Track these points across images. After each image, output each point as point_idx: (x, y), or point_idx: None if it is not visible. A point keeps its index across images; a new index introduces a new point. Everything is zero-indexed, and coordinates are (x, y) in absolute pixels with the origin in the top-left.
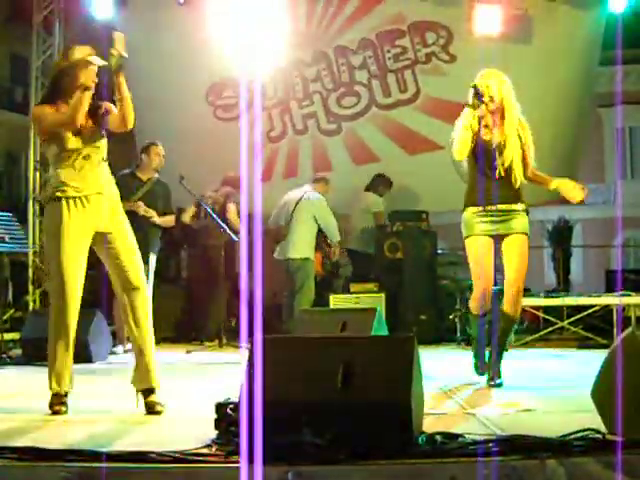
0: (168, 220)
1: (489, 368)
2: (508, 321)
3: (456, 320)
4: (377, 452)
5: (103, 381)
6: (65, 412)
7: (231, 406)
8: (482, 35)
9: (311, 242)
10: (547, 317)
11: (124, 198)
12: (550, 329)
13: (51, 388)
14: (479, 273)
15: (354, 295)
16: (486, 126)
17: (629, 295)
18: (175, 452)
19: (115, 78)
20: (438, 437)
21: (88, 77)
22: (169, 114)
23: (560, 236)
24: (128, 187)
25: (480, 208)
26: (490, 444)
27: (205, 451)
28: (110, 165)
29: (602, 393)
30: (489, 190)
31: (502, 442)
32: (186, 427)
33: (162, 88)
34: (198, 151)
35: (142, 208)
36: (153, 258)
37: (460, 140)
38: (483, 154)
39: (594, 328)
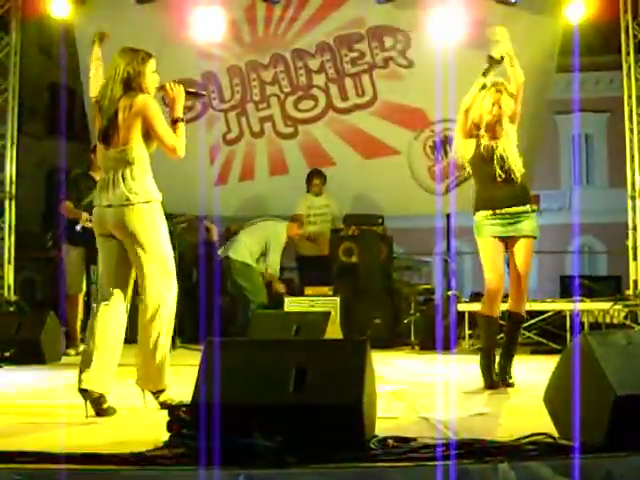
0: None
1: (501, 368)
2: (515, 320)
3: (410, 324)
4: (329, 455)
5: (55, 382)
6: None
7: (183, 409)
8: (440, 40)
9: (254, 254)
10: (501, 322)
11: (74, 199)
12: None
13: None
14: (492, 272)
15: (309, 298)
16: (487, 130)
17: (583, 301)
18: (127, 454)
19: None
20: (390, 441)
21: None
22: None
23: None
24: (78, 188)
25: (490, 212)
26: (443, 448)
27: (157, 453)
28: (68, 168)
29: (555, 398)
30: (496, 193)
31: (455, 446)
32: (139, 429)
33: None
34: (157, 151)
35: (84, 218)
36: None
37: (462, 147)
38: (487, 159)
39: (548, 333)
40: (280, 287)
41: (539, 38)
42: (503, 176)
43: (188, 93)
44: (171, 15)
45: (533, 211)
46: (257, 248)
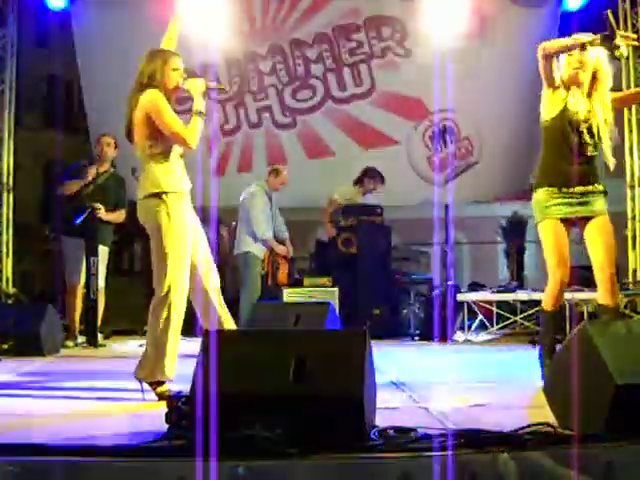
0: (117, 216)
1: None
2: (610, 313)
3: (410, 315)
4: (329, 446)
5: (54, 374)
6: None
7: (182, 399)
8: (437, 31)
9: (253, 235)
10: (500, 312)
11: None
12: (503, 324)
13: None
14: (556, 260)
15: (308, 289)
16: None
17: (582, 291)
18: (126, 445)
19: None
20: (390, 431)
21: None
22: (125, 106)
23: (513, 232)
24: (82, 178)
25: (555, 189)
26: (442, 438)
27: (156, 445)
28: (65, 160)
29: (554, 388)
30: (570, 170)
31: (454, 436)
32: (138, 420)
33: (116, 79)
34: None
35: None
36: (104, 250)
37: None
38: (569, 128)
39: None
40: (281, 249)
41: (536, 32)
42: (584, 152)
43: (209, 88)
44: (168, 5)
45: (604, 192)
46: (247, 225)
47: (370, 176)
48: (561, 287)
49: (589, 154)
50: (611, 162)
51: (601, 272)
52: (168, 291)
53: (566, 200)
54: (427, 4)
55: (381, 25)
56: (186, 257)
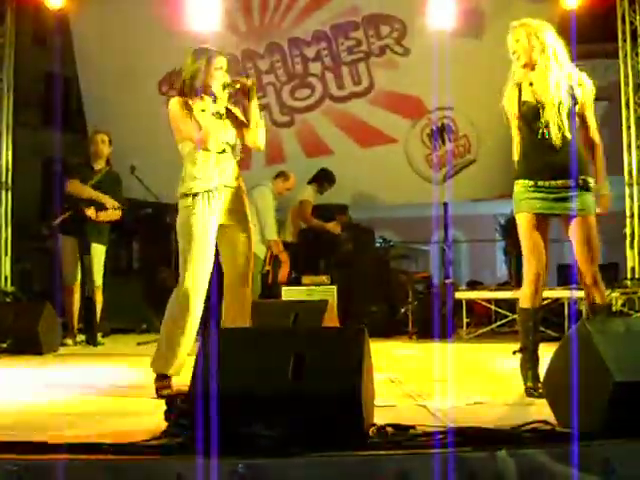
0: (110, 214)
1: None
2: (602, 312)
3: (408, 313)
4: (328, 444)
5: (53, 372)
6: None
7: (181, 398)
8: (435, 29)
9: (256, 232)
10: (499, 310)
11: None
12: (501, 322)
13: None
14: (530, 251)
15: (306, 287)
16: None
17: (581, 289)
18: (125, 444)
19: (248, 102)
20: (389, 429)
21: (223, 103)
22: (122, 104)
23: (512, 229)
24: (79, 176)
25: (532, 182)
26: (441, 436)
27: (156, 443)
28: (64, 158)
29: (553, 385)
30: (542, 162)
31: (453, 434)
32: (137, 419)
33: (116, 77)
34: (151, 142)
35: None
36: (101, 248)
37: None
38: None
39: (545, 321)
40: (283, 256)
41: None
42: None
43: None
44: (166, 4)
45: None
46: (256, 225)
47: (326, 177)
48: (537, 283)
49: (558, 144)
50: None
51: (583, 272)
52: (179, 286)
53: (541, 195)
54: (426, 2)
55: (380, 23)
56: (197, 257)
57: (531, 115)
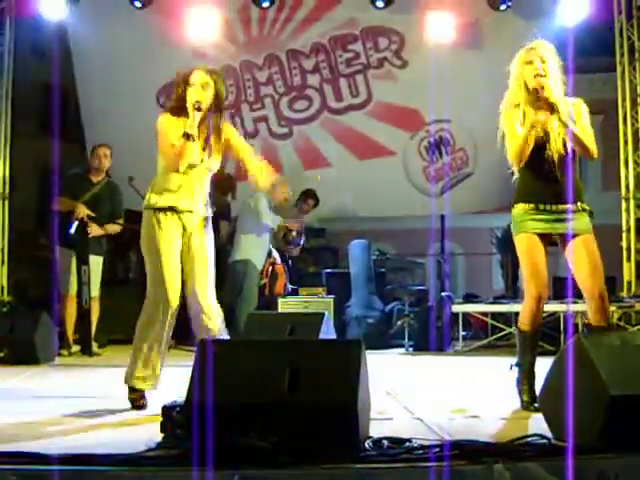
0: (109, 228)
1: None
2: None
3: (404, 325)
4: (323, 456)
5: (50, 383)
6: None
7: (177, 409)
8: (434, 42)
9: (254, 242)
10: (495, 323)
11: (68, 196)
12: (498, 335)
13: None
14: (530, 273)
15: (303, 299)
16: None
17: (577, 302)
18: (121, 455)
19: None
20: (385, 442)
21: (194, 125)
22: (121, 115)
23: (509, 243)
24: (73, 187)
25: (533, 205)
26: (437, 449)
27: (151, 454)
28: (62, 169)
29: (549, 399)
30: (545, 188)
31: (449, 447)
32: (134, 430)
33: (114, 88)
34: (149, 153)
35: (81, 209)
36: (98, 259)
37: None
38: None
39: (541, 335)
40: (293, 225)
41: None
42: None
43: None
44: (164, 15)
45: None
46: (256, 232)
47: (312, 197)
48: (538, 304)
49: (559, 174)
50: None
51: (589, 292)
52: (150, 300)
53: (541, 216)
54: (424, 15)
55: (378, 36)
56: (163, 269)
57: (537, 145)
